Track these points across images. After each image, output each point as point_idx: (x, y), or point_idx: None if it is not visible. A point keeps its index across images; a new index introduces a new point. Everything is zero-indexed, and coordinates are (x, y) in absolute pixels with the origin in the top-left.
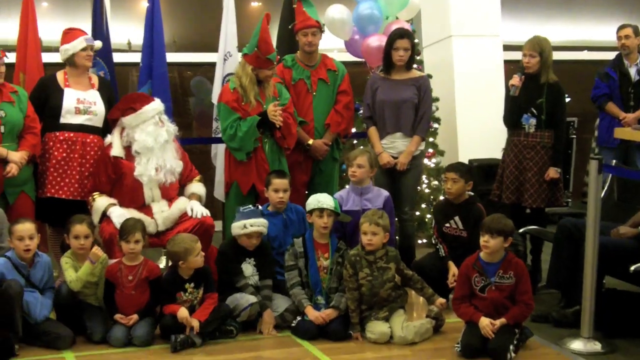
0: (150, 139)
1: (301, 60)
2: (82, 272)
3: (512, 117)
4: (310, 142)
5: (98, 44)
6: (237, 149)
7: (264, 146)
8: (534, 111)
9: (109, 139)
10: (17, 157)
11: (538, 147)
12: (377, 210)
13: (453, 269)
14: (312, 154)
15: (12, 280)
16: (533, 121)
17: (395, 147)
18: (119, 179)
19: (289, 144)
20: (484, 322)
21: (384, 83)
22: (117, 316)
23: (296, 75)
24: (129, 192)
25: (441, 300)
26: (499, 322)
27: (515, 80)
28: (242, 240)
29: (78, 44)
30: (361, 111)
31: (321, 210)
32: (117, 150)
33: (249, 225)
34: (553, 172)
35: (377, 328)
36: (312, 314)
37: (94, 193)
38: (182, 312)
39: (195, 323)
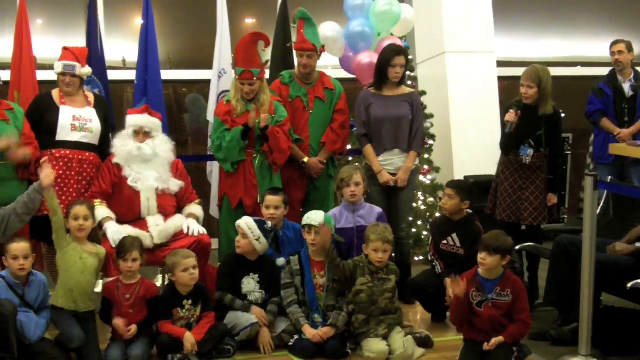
0: (119, 144)
1: (299, 78)
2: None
3: (509, 148)
4: (306, 159)
5: (86, 70)
6: (222, 159)
7: (253, 161)
8: (532, 143)
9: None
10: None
11: (534, 167)
12: (382, 224)
13: (450, 287)
14: (307, 172)
15: (5, 300)
16: (531, 152)
17: (392, 163)
18: (119, 187)
19: (276, 159)
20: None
21: (377, 99)
22: (116, 321)
23: (293, 93)
24: (127, 202)
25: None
26: (496, 340)
27: (511, 116)
28: (237, 242)
29: (56, 68)
30: (355, 128)
31: (310, 227)
32: (119, 158)
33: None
34: (554, 198)
35: (375, 346)
36: (309, 332)
37: (95, 200)
38: (189, 337)
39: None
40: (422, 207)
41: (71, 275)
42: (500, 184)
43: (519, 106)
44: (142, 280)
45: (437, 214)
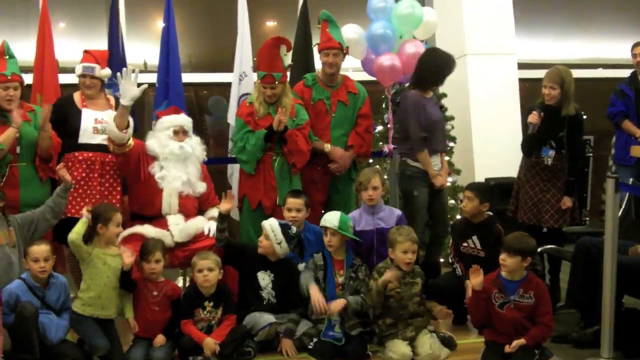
0: (157, 146)
1: (322, 80)
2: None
3: (531, 149)
4: (328, 146)
5: (105, 72)
6: (245, 161)
7: (273, 163)
8: (554, 144)
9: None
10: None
11: (556, 170)
12: (405, 226)
13: (470, 289)
14: (332, 168)
15: (26, 302)
16: (552, 153)
17: (436, 164)
18: (146, 179)
19: (295, 161)
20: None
21: (427, 102)
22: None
23: (316, 95)
24: (149, 194)
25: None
26: (518, 342)
27: (534, 117)
28: (260, 241)
29: (77, 70)
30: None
31: (325, 228)
32: (149, 148)
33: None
34: (568, 201)
35: (399, 348)
36: (314, 293)
37: None
38: (208, 343)
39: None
40: None
41: (97, 282)
42: (522, 187)
43: (542, 108)
44: (166, 282)
45: (458, 216)
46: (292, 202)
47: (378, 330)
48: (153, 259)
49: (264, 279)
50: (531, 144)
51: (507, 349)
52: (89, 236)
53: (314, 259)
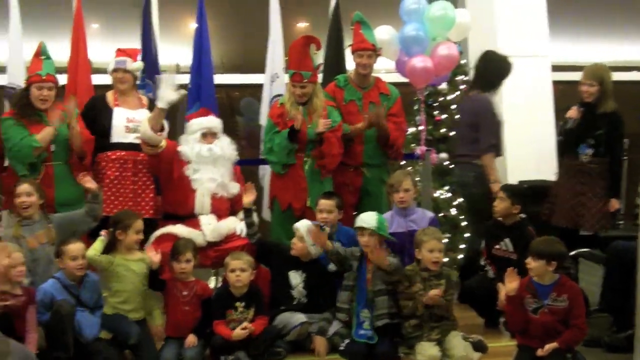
0: (187, 148)
1: (354, 81)
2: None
3: (569, 147)
4: (360, 124)
5: (137, 65)
6: (273, 161)
7: (303, 165)
8: (591, 142)
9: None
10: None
11: (594, 174)
12: (431, 227)
13: (503, 291)
14: (374, 121)
15: (63, 300)
16: (590, 151)
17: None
18: (180, 176)
19: (326, 164)
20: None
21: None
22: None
23: (348, 96)
24: (182, 193)
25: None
26: (550, 346)
27: (573, 112)
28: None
29: (110, 66)
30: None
31: (362, 229)
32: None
33: (301, 227)
34: (616, 204)
35: (427, 351)
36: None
37: None
38: (238, 333)
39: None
40: None
41: (124, 288)
42: (559, 190)
43: (580, 105)
44: (197, 281)
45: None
46: (324, 203)
47: (404, 332)
48: (183, 258)
49: (296, 278)
50: (569, 140)
51: (540, 352)
52: (111, 244)
53: (353, 250)
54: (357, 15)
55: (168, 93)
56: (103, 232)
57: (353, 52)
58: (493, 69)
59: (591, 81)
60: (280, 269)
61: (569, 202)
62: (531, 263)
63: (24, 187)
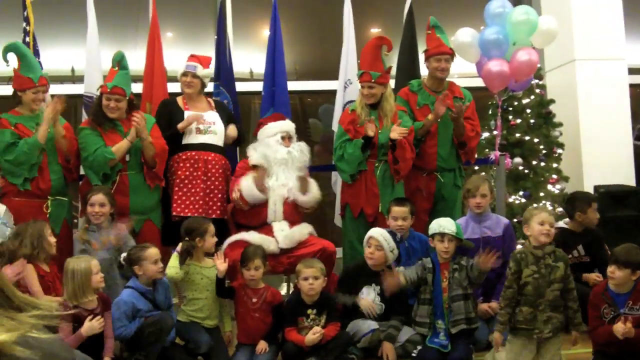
0: (268, 151)
1: (427, 86)
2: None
3: None
4: (430, 116)
5: (207, 72)
6: (343, 170)
7: (375, 170)
8: None
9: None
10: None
11: None
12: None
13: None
14: (441, 103)
15: (165, 313)
16: None
17: None
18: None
19: (399, 169)
20: (619, 326)
21: None
22: (229, 335)
23: (421, 100)
24: (255, 208)
25: (577, 336)
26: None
27: None
28: (365, 254)
29: (181, 69)
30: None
31: (442, 234)
32: (252, 160)
33: (379, 235)
34: None
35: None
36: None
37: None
38: (310, 338)
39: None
40: None
41: (198, 296)
42: None
43: None
44: (267, 287)
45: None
46: (398, 210)
47: (514, 321)
48: (252, 265)
49: (370, 294)
50: None
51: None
52: (187, 252)
53: (424, 262)
54: (432, 20)
55: None
56: (178, 249)
57: (429, 57)
58: None
59: None
60: (355, 287)
61: None
62: (615, 272)
63: (98, 198)
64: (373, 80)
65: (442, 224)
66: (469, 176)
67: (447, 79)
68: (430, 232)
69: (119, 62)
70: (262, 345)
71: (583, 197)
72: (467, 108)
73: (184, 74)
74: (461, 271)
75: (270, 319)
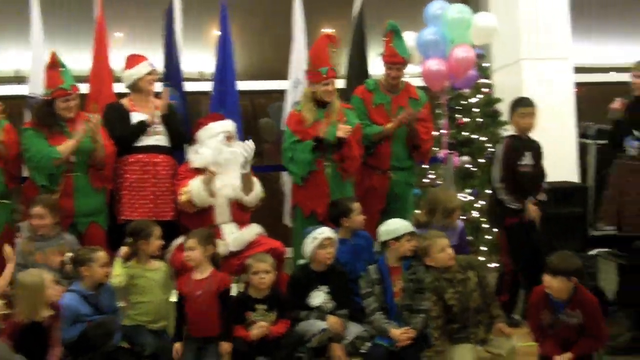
0: (209, 154)
1: (384, 86)
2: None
3: (615, 140)
4: (389, 124)
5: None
6: (294, 172)
7: (324, 169)
8: (637, 134)
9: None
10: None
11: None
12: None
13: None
14: (406, 120)
15: (108, 317)
16: (636, 144)
17: None
18: None
19: (347, 167)
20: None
21: None
22: (177, 347)
23: (377, 100)
24: (200, 211)
25: (503, 327)
26: (565, 357)
27: (617, 103)
28: (319, 256)
29: (143, 69)
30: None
31: (411, 233)
32: (195, 163)
33: (318, 234)
34: None
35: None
36: (396, 334)
37: (181, 190)
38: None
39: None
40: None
41: (142, 299)
42: (608, 189)
43: (630, 98)
44: (213, 273)
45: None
46: (359, 205)
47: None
48: (186, 246)
49: (318, 296)
50: (615, 132)
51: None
52: (131, 254)
53: (369, 273)
54: (390, 24)
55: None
56: (122, 252)
57: (385, 63)
58: None
59: (638, 72)
60: (304, 292)
61: (616, 202)
62: (551, 282)
63: (37, 210)
64: (324, 76)
65: (400, 226)
66: (422, 175)
67: (403, 79)
68: (395, 234)
69: (59, 62)
70: (225, 347)
71: None
72: (420, 113)
73: (150, 73)
74: (415, 282)
75: (218, 308)
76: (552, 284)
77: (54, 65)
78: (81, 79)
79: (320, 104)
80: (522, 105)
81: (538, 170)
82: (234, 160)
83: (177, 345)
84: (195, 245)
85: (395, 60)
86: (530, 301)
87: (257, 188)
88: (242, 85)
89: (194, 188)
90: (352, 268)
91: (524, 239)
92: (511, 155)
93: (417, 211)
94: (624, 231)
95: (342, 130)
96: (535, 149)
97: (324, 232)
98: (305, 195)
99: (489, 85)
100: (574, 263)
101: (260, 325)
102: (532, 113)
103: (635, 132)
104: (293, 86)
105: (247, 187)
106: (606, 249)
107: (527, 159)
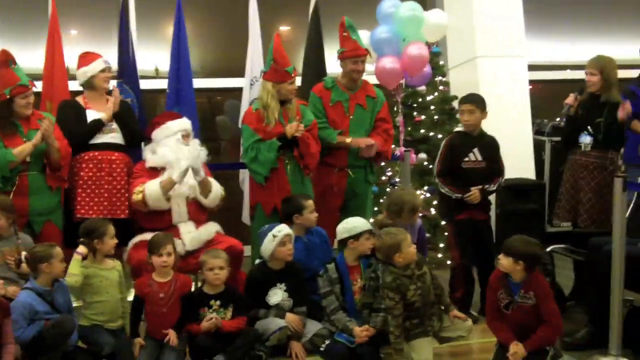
0: (171, 153)
1: (342, 84)
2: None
3: (570, 136)
4: (349, 139)
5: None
6: (257, 172)
7: (285, 167)
8: (591, 130)
9: (144, 154)
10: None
11: (591, 167)
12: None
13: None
14: (361, 154)
15: (65, 316)
16: (588, 139)
17: None
18: None
19: (307, 163)
20: (514, 349)
21: None
22: (138, 340)
23: (335, 97)
24: (157, 210)
25: (457, 313)
26: (520, 348)
27: (570, 99)
28: (280, 253)
29: (97, 66)
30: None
31: (370, 232)
32: (151, 162)
33: (277, 232)
34: None
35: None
36: (358, 332)
37: (135, 189)
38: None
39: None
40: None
41: (98, 299)
42: (563, 186)
43: (581, 92)
44: (175, 277)
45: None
46: (312, 202)
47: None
48: (164, 251)
49: (276, 294)
50: (570, 129)
51: (510, 357)
52: (85, 256)
53: (328, 273)
54: (347, 20)
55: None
56: (80, 251)
57: (346, 59)
58: None
59: (592, 70)
60: (261, 291)
61: (573, 198)
62: (502, 259)
63: None
64: (293, 75)
65: (359, 224)
66: (379, 172)
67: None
68: (354, 232)
69: (11, 59)
70: (171, 335)
71: None
72: (378, 112)
73: (104, 70)
74: (375, 280)
75: (178, 313)
76: (503, 262)
77: (5, 63)
78: (35, 77)
79: (283, 102)
80: (461, 102)
81: (488, 166)
82: (192, 158)
83: (139, 339)
84: (172, 250)
85: (360, 53)
86: (489, 280)
87: (216, 188)
88: (199, 82)
89: (150, 190)
90: (307, 266)
91: (471, 233)
92: (454, 152)
93: (379, 216)
94: (579, 227)
95: (293, 129)
96: (487, 145)
97: (283, 229)
98: (267, 194)
99: (445, 83)
100: (528, 249)
101: (210, 318)
102: (470, 110)
103: (590, 129)
104: (250, 84)
105: (204, 190)
106: (562, 245)
107: (473, 155)
